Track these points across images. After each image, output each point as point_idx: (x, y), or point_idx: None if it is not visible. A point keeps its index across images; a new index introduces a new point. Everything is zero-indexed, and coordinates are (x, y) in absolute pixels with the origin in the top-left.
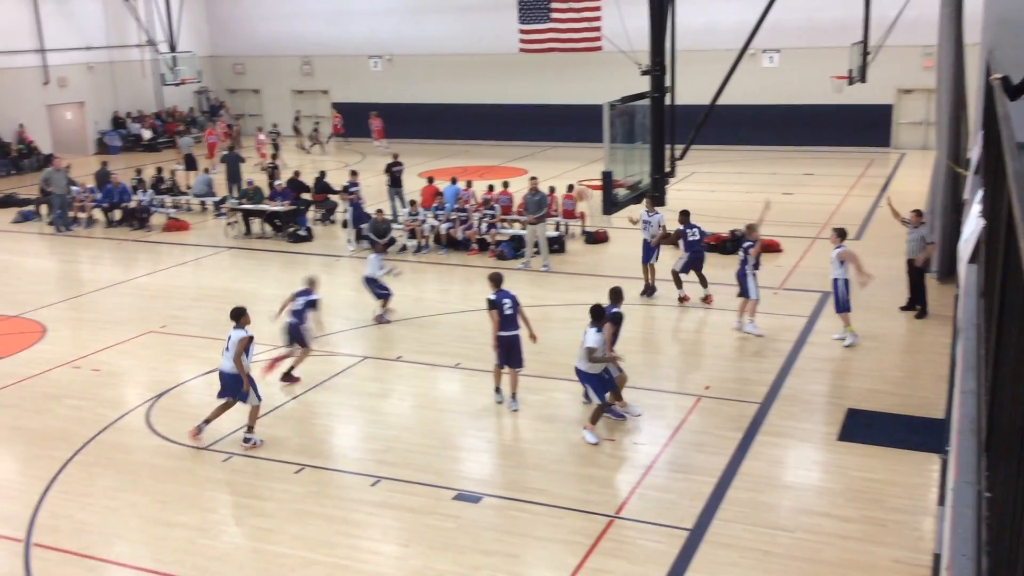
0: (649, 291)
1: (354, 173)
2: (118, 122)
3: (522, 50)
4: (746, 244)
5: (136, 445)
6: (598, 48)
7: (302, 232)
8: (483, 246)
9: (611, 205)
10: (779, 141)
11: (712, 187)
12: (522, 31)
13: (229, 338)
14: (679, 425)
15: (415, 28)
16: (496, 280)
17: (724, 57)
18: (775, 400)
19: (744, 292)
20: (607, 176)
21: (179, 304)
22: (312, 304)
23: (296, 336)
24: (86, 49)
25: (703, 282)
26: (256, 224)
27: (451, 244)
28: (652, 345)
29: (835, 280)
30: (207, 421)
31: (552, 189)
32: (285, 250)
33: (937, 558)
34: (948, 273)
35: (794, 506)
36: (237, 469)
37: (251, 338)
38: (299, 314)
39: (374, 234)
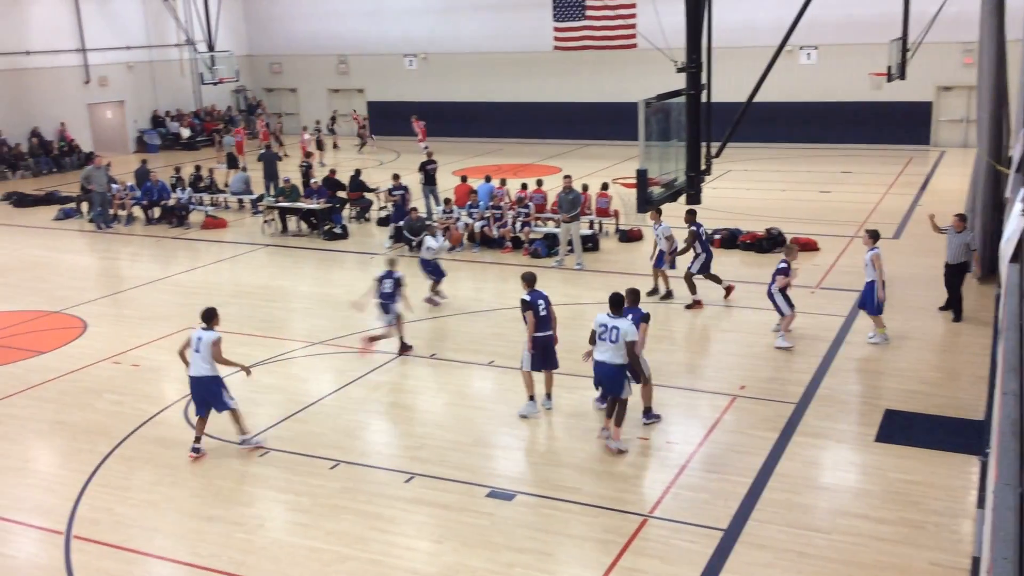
0: (655, 292)
1: (396, 176)
2: (157, 121)
3: (556, 48)
4: (781, 265)
5: (175, 440)
6: (633, 45)
7: (337, 230)
8: (517, 244)
9: (645, 203)
10: (816, 138)
11: (748, 185)
12: (556, 29)
13: (199, 339)
14: (714, 424)
15: (450, 26)
16: (529, 280)
17: (761, 54)
18: (811, 400)
19: (777, 311)
20: (642, 174)
21: (216, 301)
22: (399, 282)
23: (389, 313)
24: (126, 49)
25: (717, 279)
26: (292, 222)
27: (485, 242)
28: (687, 344)
29: (870, 283)
30: (197, 439)
31: (585, 187)
32: (321, 248)
33: (976, 561)
34: (989, 273)
35: (830, 507)
36: (273, 464)
37: (221, 339)
38: (390, 296)
39: (408, 232)
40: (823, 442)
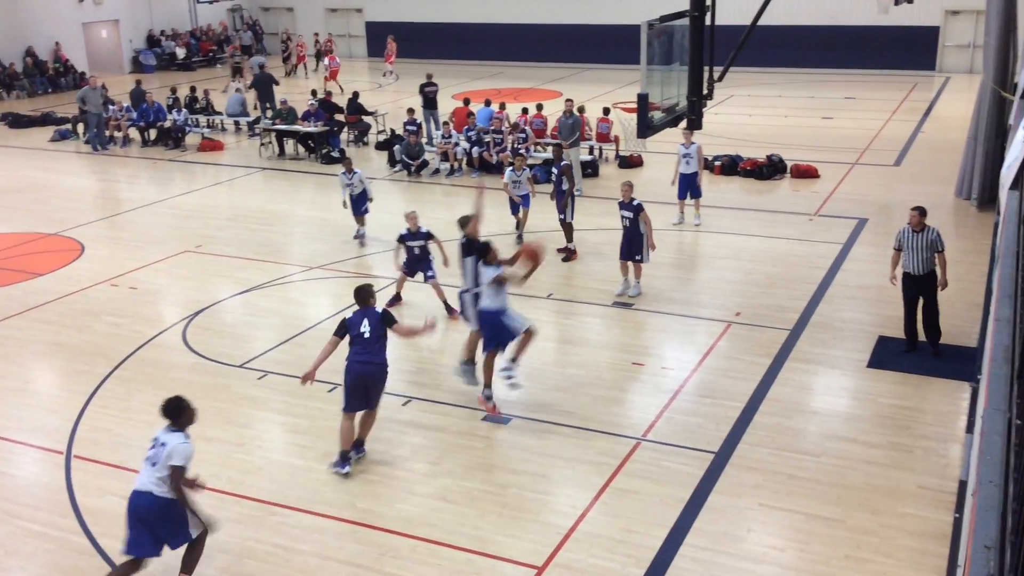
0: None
1: (411, 111)
2: (153, 40)
3: None
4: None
5: (173, 362)
6: None
7: (335, 154)
8: None
9: (646, 128)
10: (821, 63)
11: (750, 110)
12: None
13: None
14: (708, 350)
15: None
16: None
17: None
18: (806, 327)
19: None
20: (643, 98)
21: (214, 224)
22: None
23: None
24: None
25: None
26: (289, 145)
27: (484, 167)
28: (684, 271)
29: (693, 173)
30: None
31: (581, 109)
32: (318, 171)
33: (963, 485)
34: (989, 200)
35: (821, 431)
36: (271, 387)
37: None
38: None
39: (407, 156)
40: (816, 368)
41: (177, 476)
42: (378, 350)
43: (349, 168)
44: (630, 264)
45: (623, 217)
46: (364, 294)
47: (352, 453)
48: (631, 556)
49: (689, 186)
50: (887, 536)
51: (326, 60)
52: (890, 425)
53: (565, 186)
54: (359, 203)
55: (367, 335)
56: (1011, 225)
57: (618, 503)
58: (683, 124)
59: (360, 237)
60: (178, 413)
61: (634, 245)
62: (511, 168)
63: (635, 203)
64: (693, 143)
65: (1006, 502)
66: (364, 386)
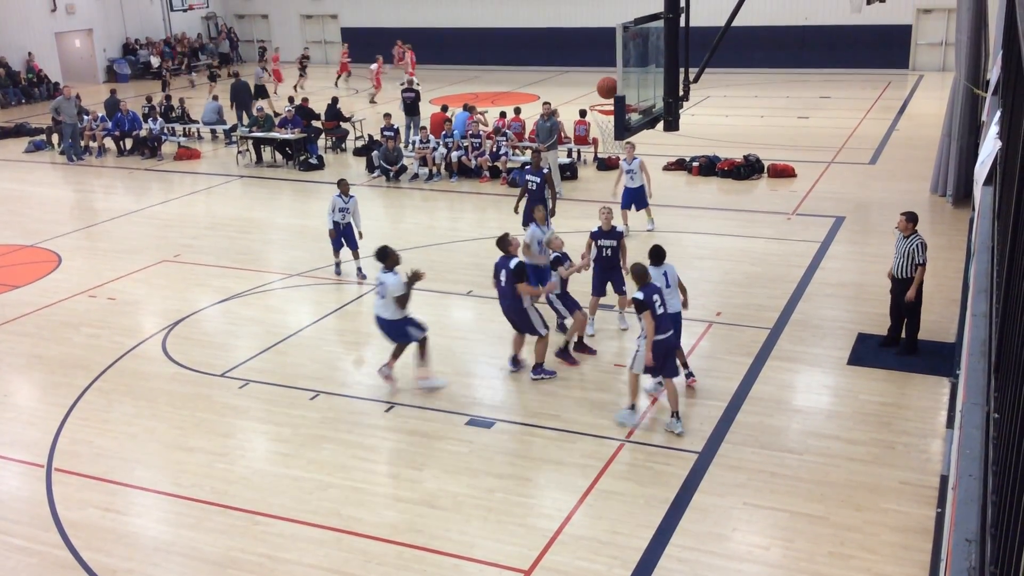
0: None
1: (388, 116)
2: (127, 49)
3: None
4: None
5: (153, 372)
6: None
7: (313, 160)
8: (494, 174)
9: (623, 131)
10: (795, 63)
11: (726, 111)
12: None
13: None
14: (690, 351)
15: None
16: (641, 274)
17: None
18: (786, 325)
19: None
20: (620, 100)
21: (192, 233)
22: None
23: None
24: None
25: None
26: (267, 152)
27: (463, 172)
28: None
29: (640, 187)
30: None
31: (555, 111)
32: (296, 178)
33: (944, 480)
34: (964, 196)
35: (802, 429)
36: (253, 395)
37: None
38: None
39: (385, 162)
40: (796, 366)
41: (400, 303)
42: (510, 294)
43: (346, 190)
44: (599, 299)
45: (604, 247)
46: (504, 243)
47: (513, 366)
48: (617, 557)
49: (634, 199)
50: (870, 532)
51: (374, 66)
52: (871, 421)
53: (547, 193)
54: (350, 233)
55: (503, 282)
56: (986, 220)
57: (603, 505)
58: (626, 139)
59: (358, 271)
60: (385, 257)
61: (614, 277)
62: (534, 224)
63: (617, 230)
64: (636, 158)
65: (985, 495)
66: (507, 318)
